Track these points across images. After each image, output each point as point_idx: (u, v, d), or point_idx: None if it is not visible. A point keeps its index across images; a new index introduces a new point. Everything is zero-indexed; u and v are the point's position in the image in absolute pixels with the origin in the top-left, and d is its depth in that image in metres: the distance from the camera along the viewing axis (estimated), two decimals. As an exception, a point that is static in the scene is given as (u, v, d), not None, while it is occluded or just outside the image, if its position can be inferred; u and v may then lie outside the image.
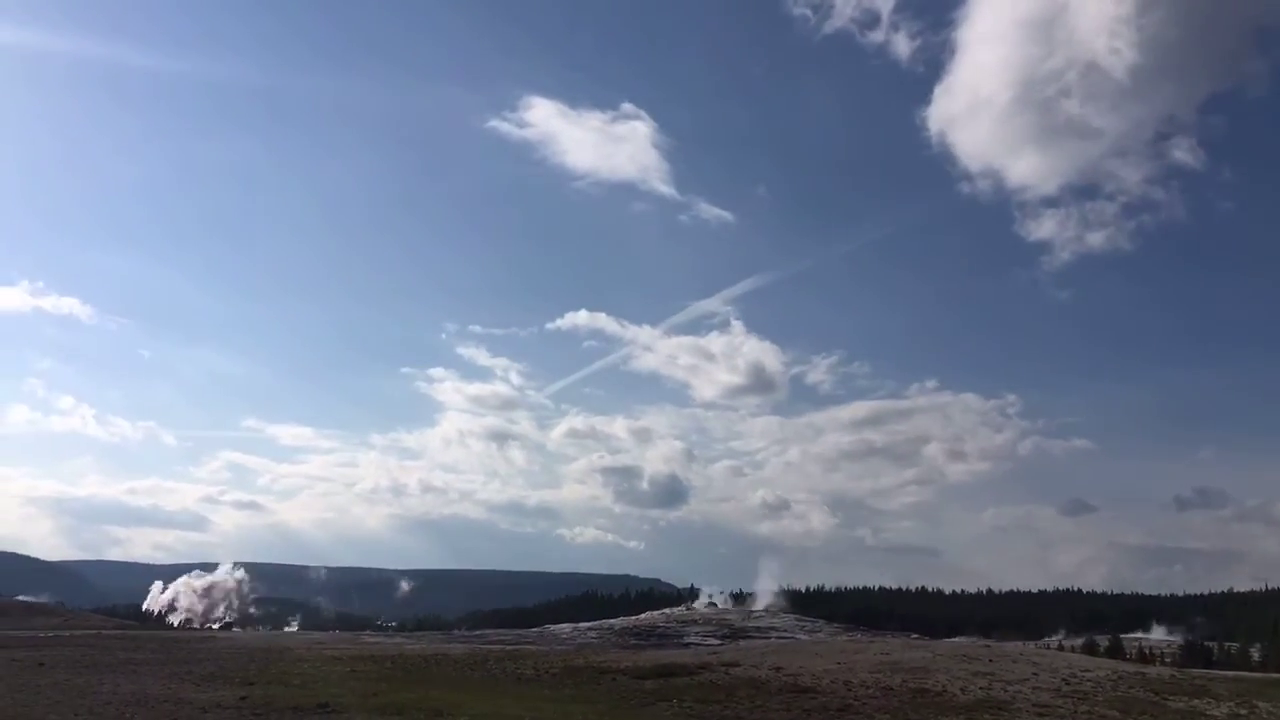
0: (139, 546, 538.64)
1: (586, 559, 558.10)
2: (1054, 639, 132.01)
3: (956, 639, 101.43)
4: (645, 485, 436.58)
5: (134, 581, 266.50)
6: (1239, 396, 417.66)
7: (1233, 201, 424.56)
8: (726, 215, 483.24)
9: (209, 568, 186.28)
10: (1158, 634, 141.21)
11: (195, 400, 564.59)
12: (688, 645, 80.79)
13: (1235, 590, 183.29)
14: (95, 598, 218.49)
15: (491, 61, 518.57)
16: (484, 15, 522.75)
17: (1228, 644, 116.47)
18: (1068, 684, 35.47)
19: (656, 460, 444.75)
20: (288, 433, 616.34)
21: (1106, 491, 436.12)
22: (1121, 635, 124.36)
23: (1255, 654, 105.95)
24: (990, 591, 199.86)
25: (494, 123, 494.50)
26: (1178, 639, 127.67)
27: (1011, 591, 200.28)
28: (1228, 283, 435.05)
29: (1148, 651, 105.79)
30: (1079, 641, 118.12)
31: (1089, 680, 36.49)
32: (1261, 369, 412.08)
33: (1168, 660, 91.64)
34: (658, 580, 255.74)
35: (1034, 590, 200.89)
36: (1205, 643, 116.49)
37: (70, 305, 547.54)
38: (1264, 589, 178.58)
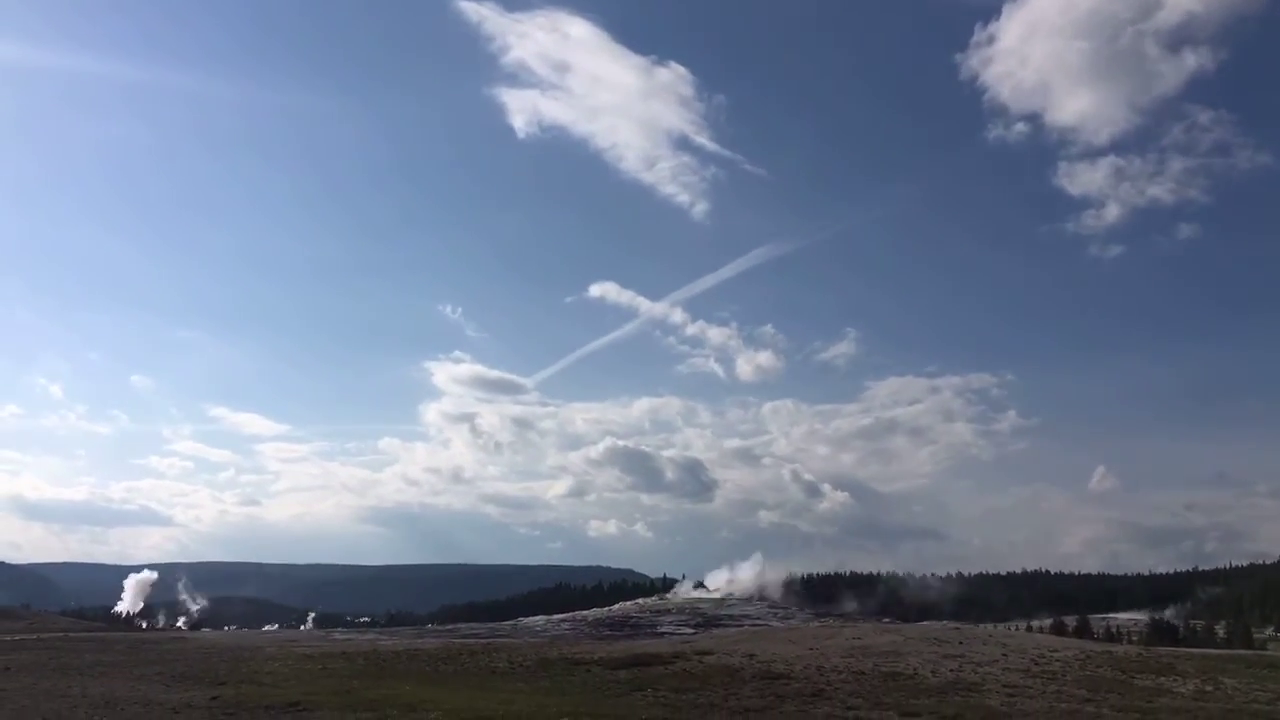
0: (110, 546, 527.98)
1: (565, 551, 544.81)
2: (1023, 621, 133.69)
3: (927, 622, 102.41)
4: (653, 470, 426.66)
5: (104, 583, 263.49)
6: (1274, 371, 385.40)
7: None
8: (762, 173, 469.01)
9: (179, 568, 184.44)
10: (1129, 613, 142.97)
11: (171, 391, 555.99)
12: (661, 635, 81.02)
13: (1200, 569, 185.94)
14: (62, 600, 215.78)
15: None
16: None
17: (1193, 621, 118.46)
18: (1036, 664, 35.91)
19: (666, 445, 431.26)
20: (263, 425, 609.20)
21: (1125, 471, 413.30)
22: (1090, 615, 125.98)
23: (1220, 631, 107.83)
24: (960, 574, 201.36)
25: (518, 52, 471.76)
26: (1144, 617, 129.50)
27: (981, 574, 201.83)
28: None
29: (1115, 631, 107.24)
30: (1048, 622, 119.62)
31: (1057, 660, 36.95)
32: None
33: (1134, 639, 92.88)
34: (630, 570, 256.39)
35: (1003, 573, 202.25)
36: (1171, 621, 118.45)
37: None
38: (1228, 566, 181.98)
